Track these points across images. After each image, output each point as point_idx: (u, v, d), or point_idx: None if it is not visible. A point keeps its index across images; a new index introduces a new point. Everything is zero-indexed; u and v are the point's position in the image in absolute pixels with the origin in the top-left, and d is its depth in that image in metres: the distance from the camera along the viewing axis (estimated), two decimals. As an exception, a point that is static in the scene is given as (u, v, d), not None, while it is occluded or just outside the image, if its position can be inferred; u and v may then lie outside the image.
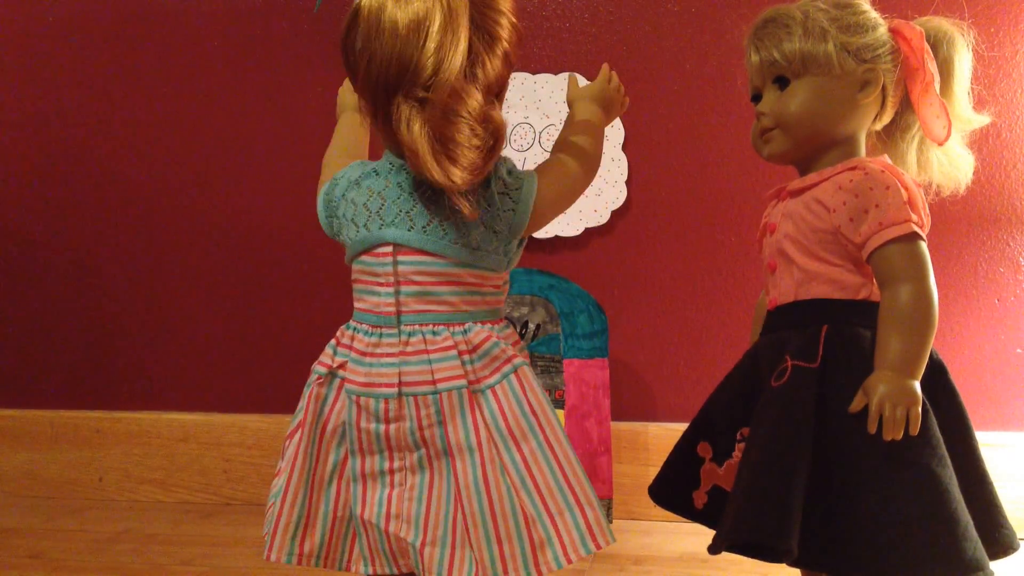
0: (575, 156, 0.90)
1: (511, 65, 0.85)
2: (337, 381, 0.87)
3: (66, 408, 1.71)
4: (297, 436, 0.87)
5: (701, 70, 1.50)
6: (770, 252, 0.95)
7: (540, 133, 1.54)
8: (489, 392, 0.83)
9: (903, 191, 0.88)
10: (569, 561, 0.81)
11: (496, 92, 0.84)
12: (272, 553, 0.87)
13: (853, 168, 0.90)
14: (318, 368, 0.88)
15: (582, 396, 1.44)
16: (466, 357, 0.83)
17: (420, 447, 0.83)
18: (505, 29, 0.83)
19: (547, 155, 1.19)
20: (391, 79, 0.79)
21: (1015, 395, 1.44)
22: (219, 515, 1.59)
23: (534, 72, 1.54)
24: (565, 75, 1.53)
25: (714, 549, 0.86)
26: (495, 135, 0.79)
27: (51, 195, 1.70)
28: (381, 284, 0.85)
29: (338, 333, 0.89)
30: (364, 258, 0.86)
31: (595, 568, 1.31)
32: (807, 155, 0.94)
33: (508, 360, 0.84)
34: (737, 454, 0.92)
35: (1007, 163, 1.42)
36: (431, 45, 0.77)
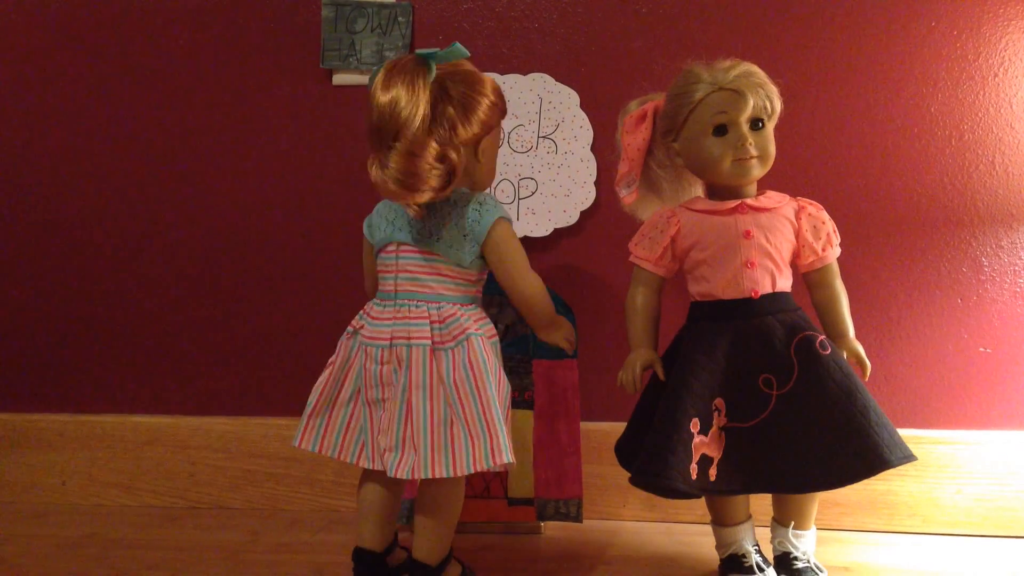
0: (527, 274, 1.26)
1: (489, 127, 1.20)
2: (358, 336, 1.23)
3: (28, 411, 1.68)
4: (327, 371, 1.24)
5: (669, 71, 1.49)
6: (748, 253, 1.19)
7: (509, 133, 1.54)
8: (446, 352, 1.18)
9: None
10: (475, 469, 1.15)
11: (476, 143, 1.19)
12: (301, 442, 1.24)
13: (799, 199, 1.24)
14: (349, 328, 1.24)
15: (552, 397, 1.44)
16: (436, 326, 1.18)
17: (398, 383, 1.18)
18: (482, 106, 1.18)
19: (516, 155, 1.57)
20: (378, 135, 1.14)
21: (978, 394, 1.46)
22: (184, 518, 1.57)
23: (503, 72, 1.54)
24: (534, 76, 1.53)
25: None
26: (450, 169, 1.14)
27: (7, 196, 1.68)
28: (389, 272, 1.22)
29: (366, 306, 1.25)
30: (381, 254, 1.24)
31: (565, 568, 1.31)
32: (755, 182, 1.23)
33: (464, 331, 1.18)
34: (715, 424, 1.15)
35: (968, 164, 1.44)
36: (399, 115, 1.12)
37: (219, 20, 1.61)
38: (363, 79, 1.57)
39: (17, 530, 1.52)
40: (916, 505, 1.45)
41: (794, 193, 1.49)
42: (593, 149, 1.52)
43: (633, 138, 1.26)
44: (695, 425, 1.13)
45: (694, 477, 1.12)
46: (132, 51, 1.63)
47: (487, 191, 1.26)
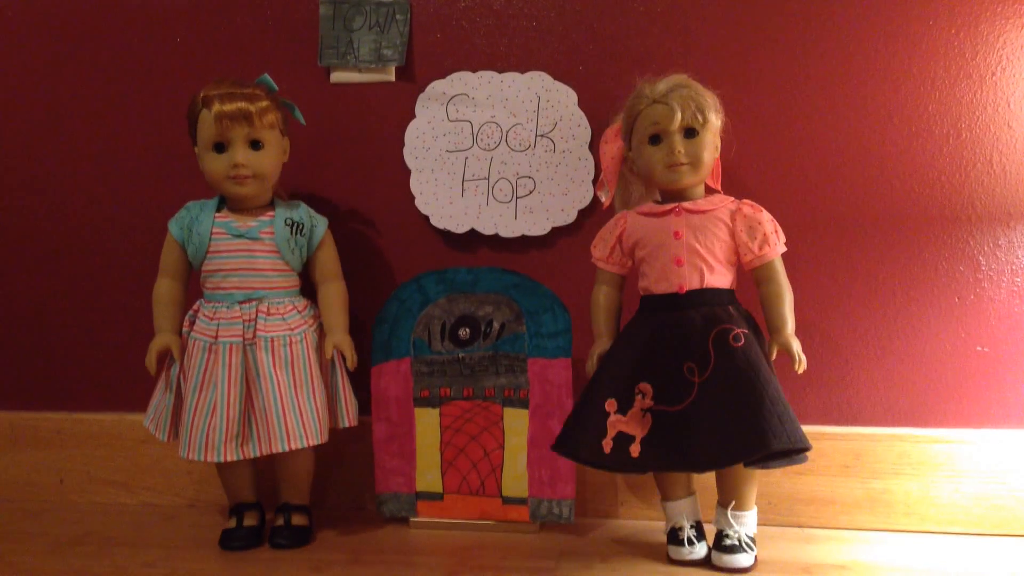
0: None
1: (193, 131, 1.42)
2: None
3: (25, 409, 1.68)
4: None
5: (666, 69, 1.49)
6: (677, 251, 1.30)
7: (507, 132, 1.54)
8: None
9: None
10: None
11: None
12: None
13: (740, 202, 1.32)
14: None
15: (546, 395, 1.44)
16: None
17: None
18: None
19: (514, 154, 1.56)
20: None
21: (976, 393, 1.46)
22: (182, 516, 1.57)
23: (500, 71, 1.54)
24: (532, 74, 1.53)
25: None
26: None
27: (5, 195, 1.68)
28: None
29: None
30: None
31: (562, 566, 1.32)
32: (694, 186, 1.33)
33: None
34: (638, 405, 1.27)
35: (966, 162, 1.44)
36: None
37: (216, 18, 1.61)
38: (361, 77, 1.57)
39: (15, 528, 1.52)
40: (913, 503, 1.44)
41: (791, 191, 1.50)
42: (591, 148, 1.52)
43: (608, 147, 1.40)
44: (611, 405, 1.27)
45: (608, 452, 1.26)
46: (128, 49, 1.64)
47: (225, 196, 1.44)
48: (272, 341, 1.37)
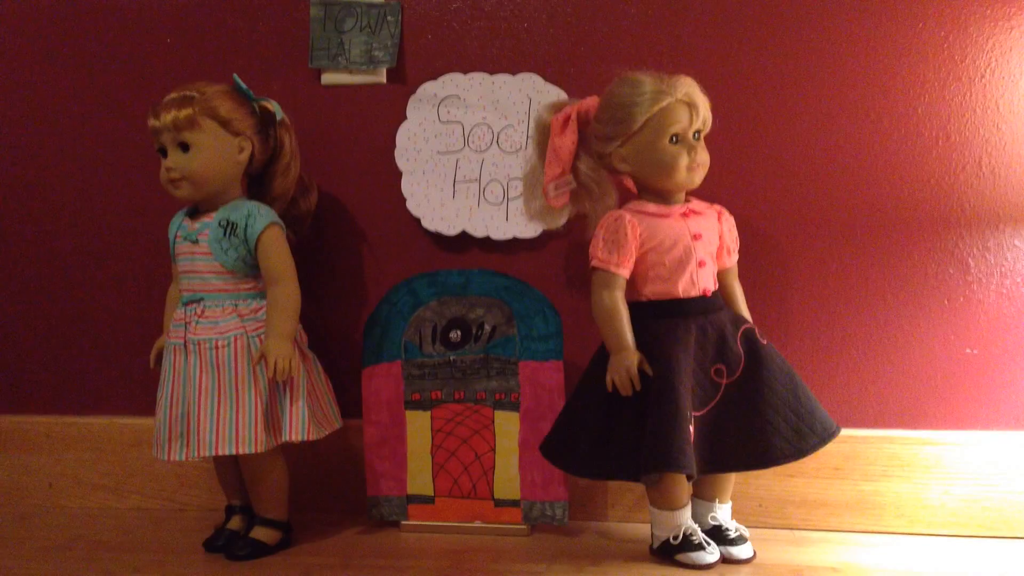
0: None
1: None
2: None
3: (14, 413, 1.67)
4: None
5: (658, 70, 1.50)
6: (700, 254, 1.30)
7: (498, 134, 1.54)
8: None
9: None
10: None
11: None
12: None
13: (714, 205, 1.36)
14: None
15: (537, 399, 1.44)
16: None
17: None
18: None
19: (505, 156, 1.54)
20: None
21: (964, 395, 1.46)
22: (172, 521, 1.57)
23: (492, 72, 1.54)
24: (523, 76, 1.53)
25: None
26: None
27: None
28: None
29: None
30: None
31: (554, 569, 1.31)
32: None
33: None
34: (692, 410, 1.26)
35: (955, 165, 1.45)
36: None
37: (207, 20, 1.61)
38: (352, 79, 1.57)
39: (3, 532, 1.52)
40: (903, 506, 1.45)
41: (781, 194, 1.51)
42: (582, 150, 1.52)
43: (563, 140, 1.35)
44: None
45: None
46: (119, 51, 1.63)
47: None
48: (200, 344, 1.36)
